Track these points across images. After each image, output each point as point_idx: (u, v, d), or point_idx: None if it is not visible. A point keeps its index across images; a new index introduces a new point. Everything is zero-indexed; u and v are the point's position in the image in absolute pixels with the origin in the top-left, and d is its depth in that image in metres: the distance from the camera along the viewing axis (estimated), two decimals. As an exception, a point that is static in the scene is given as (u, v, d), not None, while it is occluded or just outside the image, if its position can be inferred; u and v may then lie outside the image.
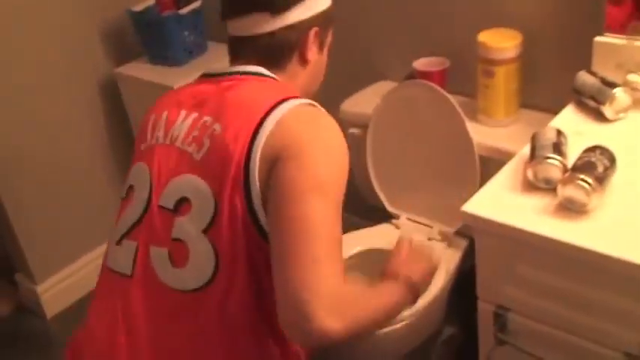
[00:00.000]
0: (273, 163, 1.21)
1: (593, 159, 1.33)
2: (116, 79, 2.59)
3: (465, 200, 1.41)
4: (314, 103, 1.34)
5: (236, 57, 1.41)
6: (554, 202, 1.34)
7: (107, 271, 1.38)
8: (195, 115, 1.32)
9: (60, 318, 2.70)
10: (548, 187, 1.37)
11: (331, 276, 1.13)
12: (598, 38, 1.71)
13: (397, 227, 2.15)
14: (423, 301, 1.84)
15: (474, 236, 1.45)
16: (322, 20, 1.40)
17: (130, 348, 1.29)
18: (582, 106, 1.67)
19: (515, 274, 1.40)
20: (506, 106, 1.92)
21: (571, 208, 1.30)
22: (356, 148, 2.21)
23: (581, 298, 1.31)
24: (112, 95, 2.66)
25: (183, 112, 1.34)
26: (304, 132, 1.25)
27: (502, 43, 1.86)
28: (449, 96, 1.90)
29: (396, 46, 2.26)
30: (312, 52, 1.41)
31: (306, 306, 1.09)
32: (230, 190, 1.23)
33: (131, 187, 1.38)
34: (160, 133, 1.36)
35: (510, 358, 1.46)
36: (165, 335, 1.28)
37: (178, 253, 1.27)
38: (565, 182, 1.30)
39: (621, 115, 1.60)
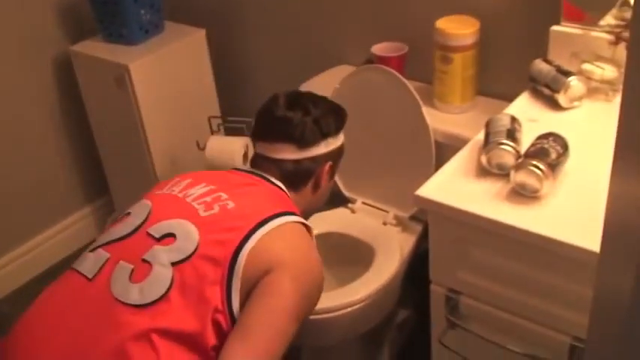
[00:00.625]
0: (269, 265, 1.35)
1: (546, 146, 1.35)
2: (70, 57, 2.54)
3: (420, 185, 1.42)
4: (307, 224, 1.51)
5: (259, 169, 1.61)
6: (506, 187, 1.35)
7: (70, 270, 1.44)
8: (213, 187, 1.50)
9: (9, 299, 2.65)
10: (501, 172, 1.38)
11: None
12: (554, 27, 1.73)
13: (353, 211, 2.15)
14: (377, 285, 1.85)
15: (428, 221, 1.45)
16: (336, 155, 1.67)
17: (49, 341, 1.33)
18: (537, 94, 1.69)
19: (468, 258, 1.41)
20: (462, 92, 1.93)
21: (523, 194, 1.32)
22: (313, 131, 2.21)
23: (532, 282, 1.33)
24: (66, 73, 2.61)
25: (203, 184, 1.52)
26: (302, 252, 1.44)
27: (460, 29, 1.86)
28: (406, 81, 1.90)
29: (355, 30, 2.26)
30: (325, 181, 1.66)
31: None
32: (217, 253, 1.35)
33: (128, 214, 1.51)
34: (177, 189, 1.53)
35: (461, 341, 1.48)
36: (85, 336, 1.32)
37: (140, 272, 1.35)
38: (518, 168, 1.32)
39: (575, 103, 1.63)
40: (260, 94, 2.64)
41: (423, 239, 2.03)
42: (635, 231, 0.77)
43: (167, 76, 2.47)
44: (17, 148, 2.59)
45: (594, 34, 1.67)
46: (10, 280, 2.66)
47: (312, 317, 1.77)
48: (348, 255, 2.09)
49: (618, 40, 1.62)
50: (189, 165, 2.57)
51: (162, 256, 1.36)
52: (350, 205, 2.17)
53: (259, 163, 1.61)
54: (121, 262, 1.38)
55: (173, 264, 1.34)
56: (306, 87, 2.21)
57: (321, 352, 2.13)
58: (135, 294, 1.32)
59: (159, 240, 1.39)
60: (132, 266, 1.36)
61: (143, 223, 1.45)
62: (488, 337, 1.42)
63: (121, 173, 2.71)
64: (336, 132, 1.64)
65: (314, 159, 1.60)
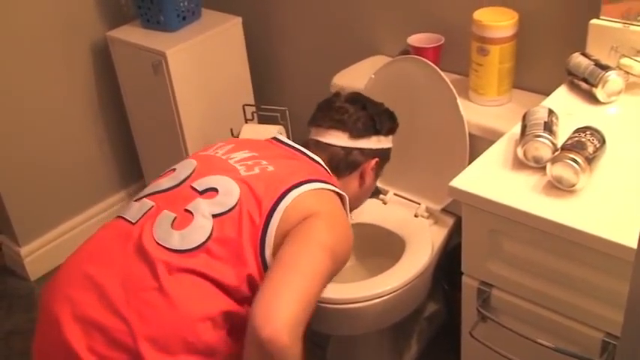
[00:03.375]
0: (303, 217, 1.41)
1: (583, 139, 1.33)
2: (108, 42, 2.56)
3: (453, 178, 1.41)
4: (343, 194, 1.55)
5: (309, 149, 1.67)
6: (543, 180, 1.34)
7: (115, 218, 1.51)
8: (255, 154, 1.56)
9: (44, 280, 2.69)
10: (537, 165, 1.37)
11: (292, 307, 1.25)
12: (593, 21, 1.71)
13: (384, 203, 2.15)
14: (407, 276, 1.85)
15: (460, 214, 1.45)
16: (383, 155, 1.75)
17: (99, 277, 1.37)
18: (575, 88, 1.68)
19: (501, 251, 1.40)
20: (499, 85, 1.92)
21: (559, 187, 1.31)
22: (347, 121, 2.21)
23: (566, 276, 1.32)
24: (104, 58, 2.64)
25: (246, 150, 1.58)
26: (335, 209, 1.49)
27: (498, 21, 1.85)
28: (442, 73, 1.90)
29: (391, 20, 2.25)
30: (369, 177, 1.73)
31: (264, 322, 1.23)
32: (255, 210, 1.41)
33: (173, 169, 1.58)
34: (220, 152, 1.60)
35: (492, 334, 1.47)
36: (129, 273, 1.36)
37: (182, 220, 1.41)
38: (554, 161, 1.30)
39: (613, 98, 1.61)
40: (295, 83, 2.66)
41: (454, 233, 2.03)
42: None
43: (203, 63, 2.49)
44: (54, 132, 2.63)
45: (634, 28, 1.65)
46: (46, 261, 2.71)
47: (342, 306, 1.79)
48: (379, 246, 2.09)
49: (659, 34, 1.60)
50: (223, 152, 2.59)
51: (204, 207, 1.42)
52: (381, 196, 2.17)
53: (309, 147, 1.67)
54: (165, 210, 1.44)
55: (214, 216, 1.40)
56: (341, 77, 2.21)
57: (349, 341, 2.14)
58: (175, 239, 1.38)
59: (201, 193, 1.46)
60: (174, 215, 1.42)
61: (187, 177, 1.51)
62: (519, 331, 1.41)
63: (155, 159, 2.74)
64: (387, 132, 1.75)
65: (362, 151, 1.69)
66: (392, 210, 2.13)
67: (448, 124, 1.91)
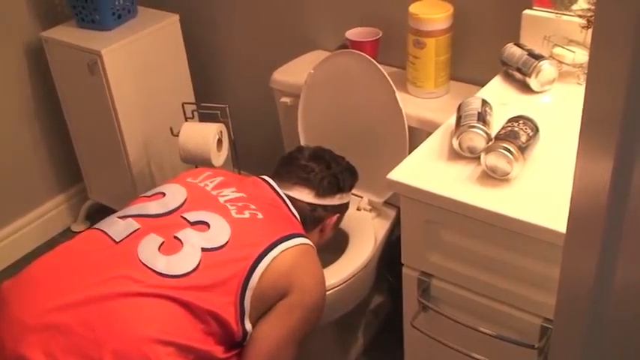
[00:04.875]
0: (287, 281, 1.48)
1: (516, 129, 1.35)
2: (42, 43, 2.51)
3: (394, 170, 1.42)
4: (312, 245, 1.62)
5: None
6: (477, 170, 1.36)
7: (95, 230, 1.49)
8: (243, 195, 1.60)
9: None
10: (472, 155, 1.39)
11: None
12: (526, 11, 1.74)
13: (327, 197, 2.15)
14: (351, 270, 1.85)
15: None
16: (343, 210, 1.84)
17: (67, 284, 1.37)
18: (509, 78, 1.70)
19: (439, 241, 1.41)
20: (436, 77, 1.93)
21: (494, 177, 1.32)
22: (287, 117, 2.20)
23: (503, 264, 1.34)
24: (38, 59, 2.58)
25: (234, 188, 1.62)
26: (316, 277, 1.57)
27: (433, 14, 1.86)
28: (380, 66, 1.90)
29: (329, 15, 2.25)
30: (330, 230, 1.80)
31: None
32: (242, 253, 1.45)
33: (162, 194, 1.59)
34: (210, 185, 1.62)
35: (433, 324, 1.49)
36: (105, 286, 1.35)
37: (170, 246, 1.43)
38: (488, 151, 1.32)
39: (546, 87, 1.63)
40: (235, 80, 2.65)
41: (397, 225, 2.04)
42: (599, 211, 0.77)
43: (140, 61, 2.45)
44: (-12, 135, 2.56)
45: (566, 18, 1.68)
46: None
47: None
48: (322, 240, 2.08)
49: (590, 24, 1.62)
50: (163, 152, 2.57)
51: (194, 239, 1.44)
52: (324, 190, 2.16)
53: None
54: (152, 233, 1.44)
55: (203, 249, 1.42)
56: (280, 72, 2.20)
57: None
58: (161, 263, 1.38)
59: (192, 224, 1.48)
60: (162, 239, 1.43)
61: (178, 207, 1.53)
62: (460, 320, 1.43)
63: (95, 160, 2.69)
64: (349, 189, 1.83)
65: (326, 208, 1.76)
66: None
67: (387, 118, 1.92)
